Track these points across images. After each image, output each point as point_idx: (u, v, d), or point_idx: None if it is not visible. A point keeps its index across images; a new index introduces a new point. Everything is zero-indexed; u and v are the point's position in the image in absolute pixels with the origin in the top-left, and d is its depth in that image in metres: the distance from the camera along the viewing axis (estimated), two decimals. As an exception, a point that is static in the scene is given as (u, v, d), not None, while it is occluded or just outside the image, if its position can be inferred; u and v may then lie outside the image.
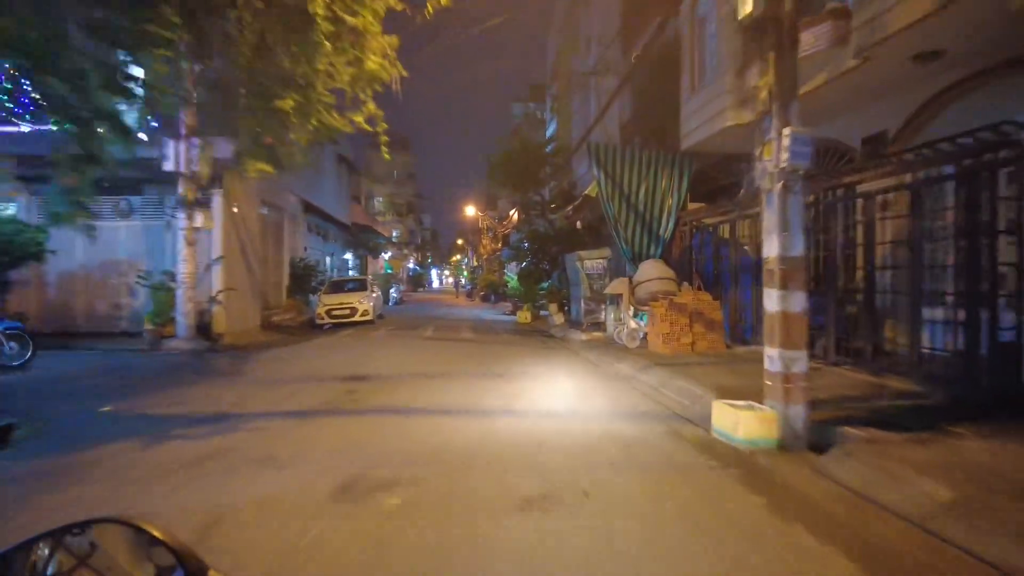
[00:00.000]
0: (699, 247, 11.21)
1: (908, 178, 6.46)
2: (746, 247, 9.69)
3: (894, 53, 6.56)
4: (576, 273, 12.49)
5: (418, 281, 63.07)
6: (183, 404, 6.12)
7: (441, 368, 8.53)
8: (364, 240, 29.46)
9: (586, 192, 14.22)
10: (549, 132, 21.19)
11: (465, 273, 69.44)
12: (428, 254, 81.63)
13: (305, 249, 20.27)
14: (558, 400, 6.30)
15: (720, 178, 12.15)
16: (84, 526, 0.89)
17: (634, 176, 11.51)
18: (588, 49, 18.06)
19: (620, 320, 11.02)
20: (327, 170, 23.87)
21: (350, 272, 27.13)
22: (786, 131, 4.61)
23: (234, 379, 7.79)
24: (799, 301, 4.70)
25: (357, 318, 15.98)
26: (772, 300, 4.74)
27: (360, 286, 17.49)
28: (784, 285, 4.68)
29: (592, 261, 12.20)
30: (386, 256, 43.09)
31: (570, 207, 15.79)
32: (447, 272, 76.74)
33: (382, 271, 41.87)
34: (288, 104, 9.43)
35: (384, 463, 4.02)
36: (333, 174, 25.49)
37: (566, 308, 17.86)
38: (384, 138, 11.14)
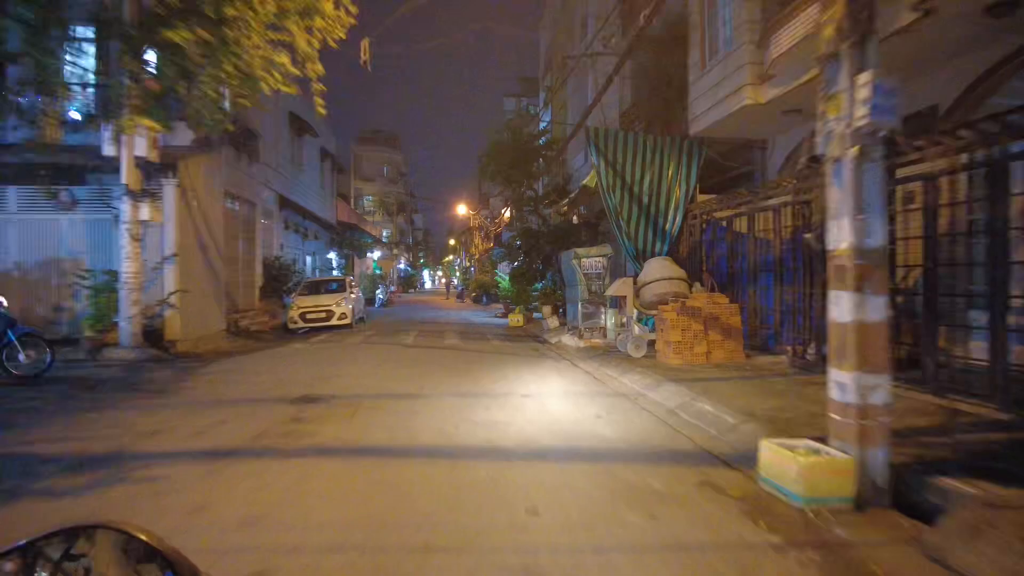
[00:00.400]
0: (711, 243, 10.00)
1: (967, 157, 5.25)
2: (765, 241, 8.48)
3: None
4: (572, 273, 11.25)
5: (409, 282, 61.64)
6: (77, 436, 4.82)
7: (414, 385, 7.26)
8: (350, 239, 28.14)
9: (583, 183, 12.97)
10: (543, 125, 19.93)
11: (457, 274, 68.22)
12: (421, 255, 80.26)
13: (282, 247, 18.94)
14: (554, 432, 5.03)
15: (734, 167, 10.95)
16: (70, 533, 0.87)
17: (637, 164, 10.29)
18: (584, 30, 16.82)
19: (623, 326, 9.78)
20: (308, 164, 22.56)
21: (334, 272, 25.78)
22: (863, 77, 3.38)
23: (163, 399, 6.48)
24: (879, 307, 3.48)
25: (334, 322, 14.68)
26: (843, 306, 3.52)
27: (338, 287, 16.18)
28: (859, 286, 3.46)
29: (590, 259, 10.96)
30: (374, 256, 41.73)
31: (565, 201, 14.55)
32: (440, 273, 75.37)
33: (370, 271, 40.52)
34: (181, 37, 7.89)
35: (295, 553, 2.74)
36: (315, 169, 24.16)
37: (561, 311, 16.65)
38: (319, 87, 9.64)
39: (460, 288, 45.52)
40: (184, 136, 11.32)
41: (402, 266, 64.49)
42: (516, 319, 16.73)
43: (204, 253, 12.24)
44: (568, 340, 11.11)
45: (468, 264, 57.88)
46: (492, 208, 43.50)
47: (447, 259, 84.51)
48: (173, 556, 0.84)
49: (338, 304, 14.94)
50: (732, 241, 9.36)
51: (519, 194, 18.92)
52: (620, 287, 9.62)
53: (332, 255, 27.00)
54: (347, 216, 30.18)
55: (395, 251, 56.47)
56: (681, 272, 9.13)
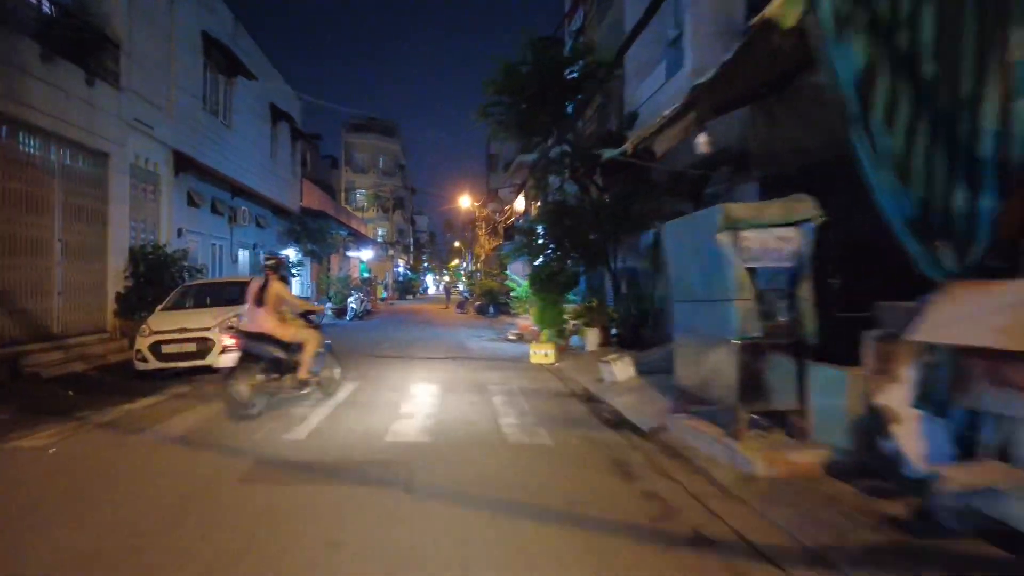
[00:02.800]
0: None
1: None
2: None
3: None
4: (715, 265, 4.39)
5: (408, 287, 54.70)
6: None
7: None
8: (318, 232, 21.45)
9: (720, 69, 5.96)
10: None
11: (463, 279, 61.52)
12: (424, 258, 73.62)
13: (180, 232, 12.29)
14: None
15: None
16: None
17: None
18: None
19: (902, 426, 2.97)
20: (246, 122, 15.93)
21: (298, 276, 19.08)
22: None
23: None
24: None
25: (212, 361, 7.98)
26: None
27: (238, 296, 9.39)
28: None
29: (768, 235, 4.20)
30: (360, 256, 35.10)
31: (654, 131, 7.32)
32: (446, 278, 68.70)
33: (355, 275, 33.90)
34: None
35: None
36: (261, 133, 17.54)
37: (617, 335, 9.93)
38: None
39: (464, 295, 38.84)
40: None
41: (400, 269, 57.89)
42: (543, 351, 9.94)
43: None
44: (698, 431, 4.34)
45: (475, 267, 51.23)
46: (502, 201, 36.82)
47: (453, 263, 78.19)
48: None
49: (226, 328, 8.26)
50: None
51: (543, 150, 12.15)
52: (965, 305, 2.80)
53: (290, 251, 20.35)
54: (317, 202, 23.60)
55: (391, 252, 49.85)
56: None
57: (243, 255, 16.48)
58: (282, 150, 19.63)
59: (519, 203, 27.22)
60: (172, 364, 8.04)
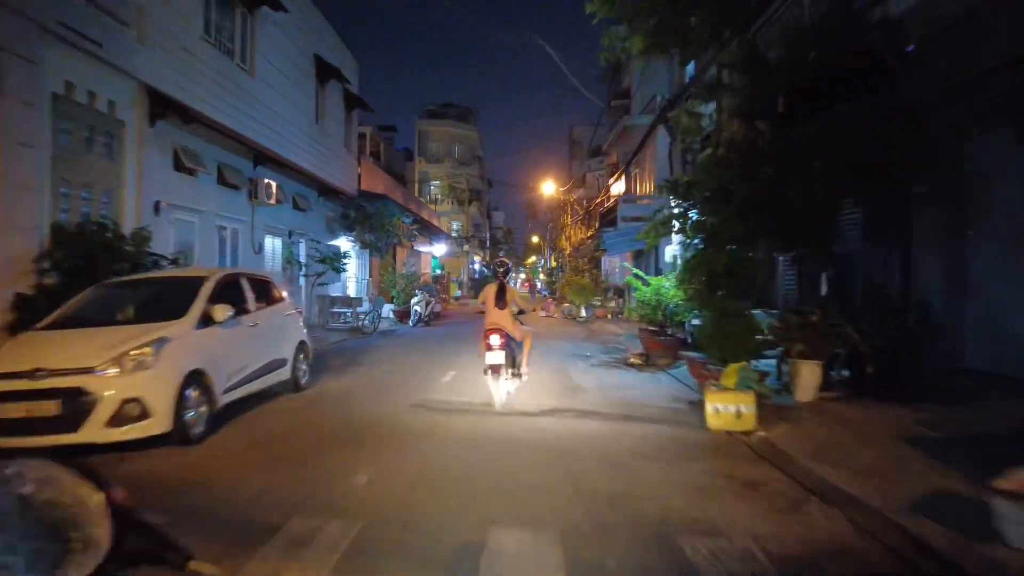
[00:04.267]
0: None
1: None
2: None
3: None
4: None
5: (483, 284, 51.03)
6: None
7: None
8: (374, 218, 17.55)
9: None
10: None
11: (540, 276, 57.06)
12: (500, 254, 69.85)
13: (158, 208, 8.57)
14: None
15: None
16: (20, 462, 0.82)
17: None
18: None
19: None
20: (277, 76, 12.18)
21: (345, 271, 15.25)
22: None
23: None
24: None
25: (94, 435, 3.89)
26: None
27: (182, 303, 5.22)
28: None
29: None
30: (432, 251, 31.44)
31: None
32: (523, 276, 64.57)
33: (427, 270, 30.31)
34: None
35: None
36: (303, 92, 13.83)
37: (855, 373, 4.98)
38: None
39: (544, 294, 34.24)
40: None
41: (476, 266, 54.32)
42: (732, 406, 5.14)
43: None
44: None
45: (555, 263, 46.51)
46: (590, 187, 31.89)
47: (530, 260, 74.00)
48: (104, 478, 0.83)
49: (133, 367, 4.17)
50: None
51: (703, 64, 7.30)
52: None
53: (342, 241, 16.63)
54: (381, 186, 19.88)
55: (466, 247, 46.21)
56: None
57: (272, 244, 12.78)
58: (331, 117, 15.91)
59: (618, 187, 22.26)
60: (9, 441, 4.01)
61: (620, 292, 20.93)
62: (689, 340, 9.37)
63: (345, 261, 13.61)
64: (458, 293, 36.55)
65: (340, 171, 16.25)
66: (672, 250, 9.92)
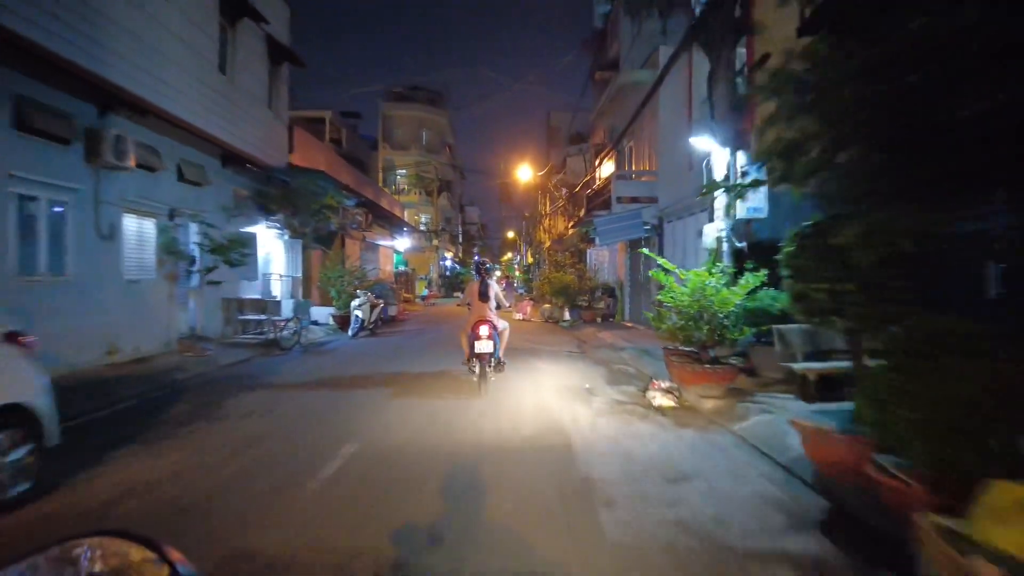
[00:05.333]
0: None
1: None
2: None
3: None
4: None
5: (456, 283, 46.30)
6: None
7: None
8: (300, 196, 13.70)
9: None
10: None
11: (516, 273, 53.70)
12: (474, 251, 66.09)
13: None
14: None
15: None
16: (85, 539, 0.84)
17: None
18: None
19: None
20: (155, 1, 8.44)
21: (245, 264, 11.46)
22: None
23: None
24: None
25: None
26: None
27: None
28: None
29: None
30: (395, 245, 27.73)
31: None
32: (498, 273, 60.99)
33: (389, 268, 26.60)
34: None
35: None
36: (201, 30, 10.12)
37: None
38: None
39: (521, 292, 30.74)
40: None
41: (448, 263, 50.60)
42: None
43: None
44: None
45: (531, 259, 43.06)
46: (573, 173, 28.53)
47: (505, 257, 70.66)
48: (173, 555, 0.84)
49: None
50: None
51: None
52: None
53: (261, 227, 12.94)
54: (324, 162, 16.18)
55: (435, 242, 42.46)
56: None
57: (139, 227, 9.06)
58: (247, 69, 12.23)
59: (608, 170, 18.94)
60: None
61: (611, 291, 17.66)
62: (741, 365, 6.14)
63: (246, 251, 9.91)
64: (425, 292, 32.88)
65: (258, 137, 12.57)
66: (713, 229, 6.60)
